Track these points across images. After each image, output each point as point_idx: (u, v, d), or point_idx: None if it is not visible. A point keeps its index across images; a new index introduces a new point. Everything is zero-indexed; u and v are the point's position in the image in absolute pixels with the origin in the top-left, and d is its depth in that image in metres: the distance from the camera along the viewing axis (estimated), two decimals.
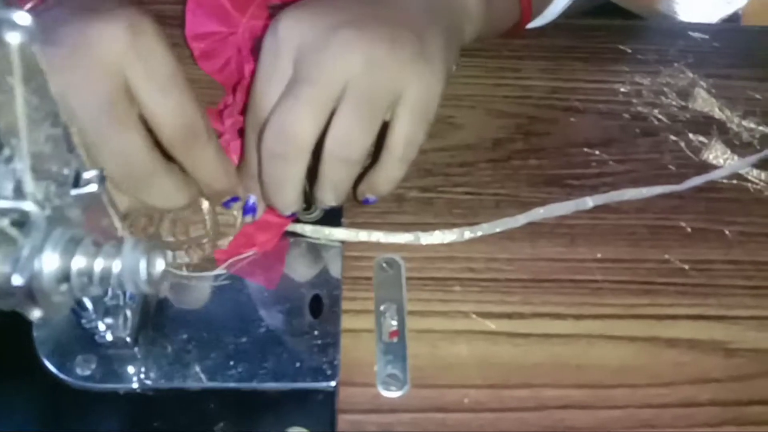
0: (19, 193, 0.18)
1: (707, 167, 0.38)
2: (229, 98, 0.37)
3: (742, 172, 0.38)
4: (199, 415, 0.28)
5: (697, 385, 0.29)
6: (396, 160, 0.30)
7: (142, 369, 0.28)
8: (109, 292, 0.26)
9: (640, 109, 0.41)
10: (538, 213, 0.35)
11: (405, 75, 0.29)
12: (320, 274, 0.32)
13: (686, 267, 0.33)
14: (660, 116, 0.40)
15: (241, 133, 0.35)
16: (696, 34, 0.45)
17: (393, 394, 0.28)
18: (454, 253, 0.33)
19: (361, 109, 0.28)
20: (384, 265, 0.33)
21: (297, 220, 0.33)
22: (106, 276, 0.19)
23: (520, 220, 0.34)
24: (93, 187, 0.22)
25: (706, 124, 0.40)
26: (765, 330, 0.31)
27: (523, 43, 0.43)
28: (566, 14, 0.41)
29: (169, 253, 0.31)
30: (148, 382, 0.28)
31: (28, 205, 0.17)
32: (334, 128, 0.29)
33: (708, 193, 0.37)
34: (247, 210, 0.33)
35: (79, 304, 0.24)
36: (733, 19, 0.63)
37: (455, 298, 0.31)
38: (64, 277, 0.18)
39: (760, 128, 0.40)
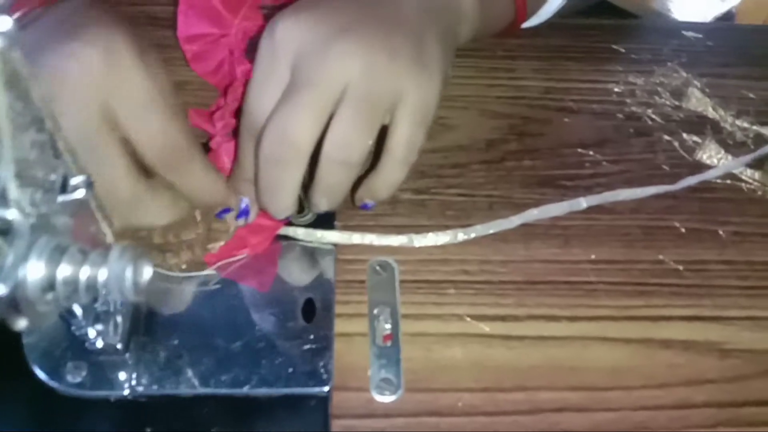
0: (2, 200, 0.17)
1: (701, 167, 0.38)
2: (221, 100, 0.37)
3: (736, 171, 0.38)
4: (191, 421, 0.27)
5: (691, 387, 0.29)
6: (396, 163, 0.30)
7: (134, 375, 0.28)
8: (99, 299, 0.25)
9: (633, 109, 0.40)
10: (532, 214, 0.35)
11: (403, 81, 0.29)
12: (313, 278, 0.32)
13: (680, 268, 0.33)
14: (654, 116, 0.40)
15: (233, 135, 0.35)
16: (689, 34, 0.45)
17: (387, 398, 0.28)
18: (448, 256, 0.33)
19: (359, 112, 0.28)
20: (377, 267, 0.32)
21: (290, 223, 0.33)
22: (92, 284, 0.19)
23: (514, 221, 0.34)
24: (81, 193, 0.21)
25: (700, 124, 0.40)
26: (760, 330, 0.31)
27: (517, 43, 0.43)
28: (560, 14, 0.41)
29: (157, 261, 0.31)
30: (140, 388, 0.27)
31: (11, 213, 0.17)
32: (333, 131, 0.28)
33: (702, 193, 0.37)
34: (240, 213, 0.32)
35: (69, 311, 0.24)
36: (727, 17, 0.63)
37: (449, 300, 0.31)
38: (50, 285, 0.18)
39: (754, 128, 0.40)
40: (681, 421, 0.28)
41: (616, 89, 0.41)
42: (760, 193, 0.37)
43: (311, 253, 0.33)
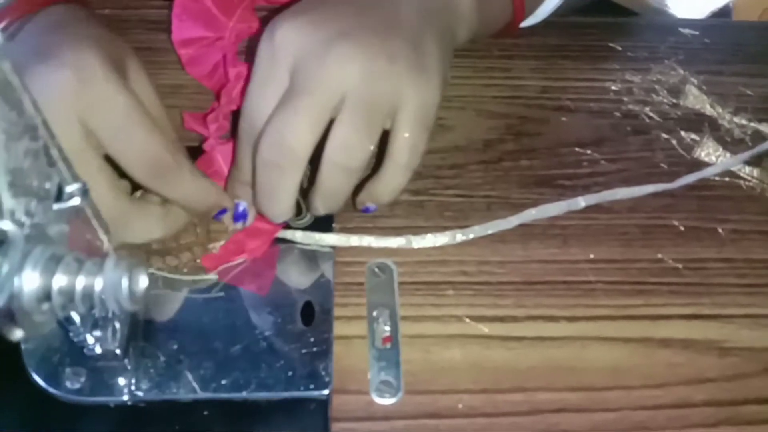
0: None
1: (699, 165, 0.38)
2: (216, 103, 0.37)
3: (734, 169, 0.38)
4: (191, 426, 0.27)
5: (691, 386, 0.29)
6: (399, 168, 0.30)
7: (133, 381, 0.28)
8: (96, 307, 0.25)
9: (631, 107, 0.40)
10: (530, 214, 0.34)
11: (403, 86, 0.29)
12: (312, 281, 0.32)
13: (679, 266, 0.33)
14: (651, 114, 0.40)
15: (227, 138, 0.35)
16: (686, 31, 0.45)
17: (386, 401, 0.28)
18: (446, 257, 0.33)
19: (361, 116, 0.28)
20: (376, 269, 0.32)
21: (288, 226, 0.33)
22: (88, 294, 0.19)
23: (512, 221, 0.34)
24: (76, 201, 0.21)
25: (698, 122, 0.40)
26: (759, 328, 0.31)
27: (513, 43, 0.42)
28: (558, 12, 0.41)
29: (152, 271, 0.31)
30: (139, 393, 0.27)
31: (5, 224, 0.17)
32: (334, 136, 0.28)
33: (700, 191, 0.36)
34: (238, 217, 0.32)
35: (67, 317, 0.24)
36: (724, 12, 0.63)
37: (448, 302, 0.31)
38: (45, 296, 0.18)
39: (752, 125, 0.40)
40: (681, 420, 0.28)
41: (613, 87, 0.41)
42: (758, 190, 0.37)
43: (310, 256, 0.33)
